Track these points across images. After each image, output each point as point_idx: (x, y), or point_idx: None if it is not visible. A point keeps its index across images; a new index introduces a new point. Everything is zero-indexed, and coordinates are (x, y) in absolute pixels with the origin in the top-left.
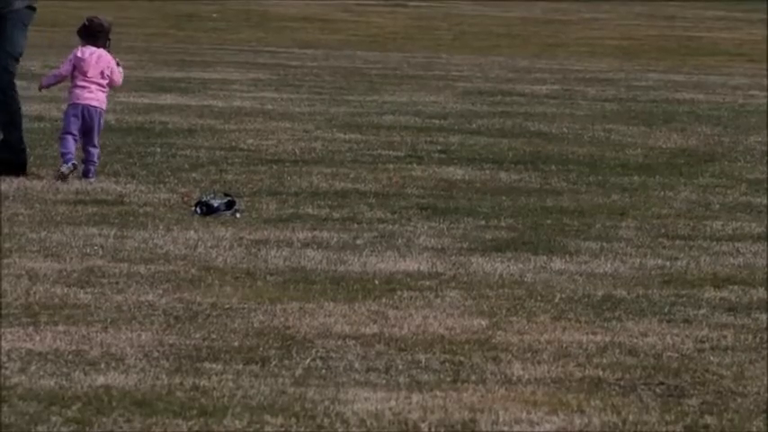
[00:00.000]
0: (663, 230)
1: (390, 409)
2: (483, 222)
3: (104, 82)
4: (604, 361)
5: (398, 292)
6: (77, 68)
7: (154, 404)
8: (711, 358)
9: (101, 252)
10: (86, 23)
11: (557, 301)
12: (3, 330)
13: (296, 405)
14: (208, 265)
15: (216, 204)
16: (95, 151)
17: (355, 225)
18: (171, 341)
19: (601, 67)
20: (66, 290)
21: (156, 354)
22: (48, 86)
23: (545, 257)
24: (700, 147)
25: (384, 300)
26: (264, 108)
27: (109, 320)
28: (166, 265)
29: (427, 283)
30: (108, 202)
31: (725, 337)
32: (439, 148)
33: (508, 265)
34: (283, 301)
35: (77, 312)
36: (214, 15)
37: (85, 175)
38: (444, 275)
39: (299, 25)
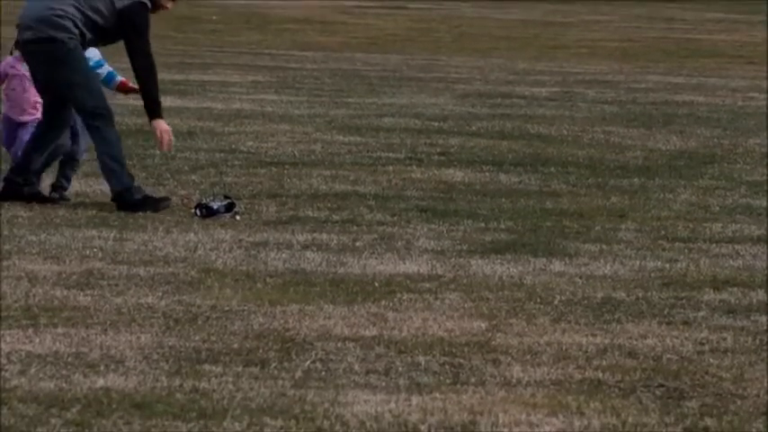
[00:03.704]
0: (662, 232)
1: (390, 411)
2: (482, 224)
3: None
4: (604, 363)
5: (398, 295)
6: None
7: (153, 406)
8: (711, 360)
9: (100, 254)
10: None
11: (556, 303)
12: (2, 332)
13: (295, 407)
14: (207, 267)
15: (215, 206)
16: None
17: (355, 227)
18: (170, 343)
19: (600, 69)
20: (65, 292)
21: (155, 356)
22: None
23: (545, 259)
24: (699, 149)
25: (384, 302)
26: (264, 110)
27: (108, 323)
28: (166, 268)
29: (427, 285)
30: (107, 204)
31: (724, 339)
32: (438, 150)
33: (508, 268)
34: (283, 303)
35: (77, 314)
36: (214, 18)
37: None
38: (444, 278)
39: (298, 27)
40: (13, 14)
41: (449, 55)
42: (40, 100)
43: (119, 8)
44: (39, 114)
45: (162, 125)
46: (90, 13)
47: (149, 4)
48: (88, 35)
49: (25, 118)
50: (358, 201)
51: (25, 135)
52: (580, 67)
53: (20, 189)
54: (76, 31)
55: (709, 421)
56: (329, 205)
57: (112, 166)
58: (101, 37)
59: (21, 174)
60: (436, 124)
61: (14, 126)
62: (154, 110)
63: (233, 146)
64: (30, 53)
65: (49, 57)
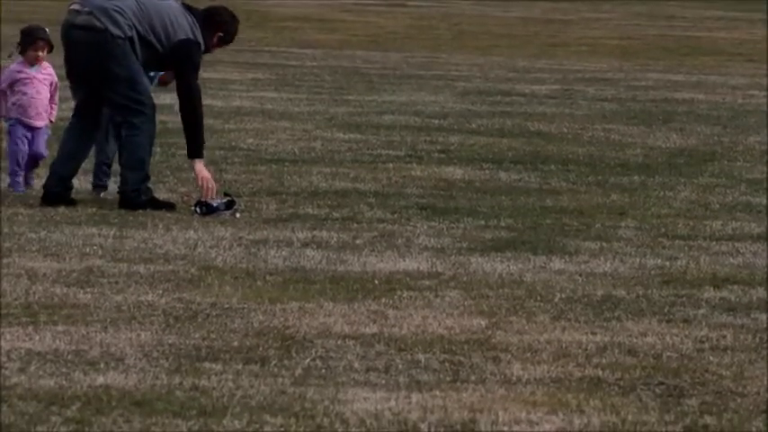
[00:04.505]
0: (662, 230)
1: (390, 408)
2: (482, 222)
3: None
4: (604, 361)
5: (398, 292)
6: None
7: (153, 404)
8: (711, 358)
9: (100, 252)
10: None
11: (556, 300)
12: (2, 330)
13: (295, 405)
14: (207, 264)
15: (215, 204)
16: None
17: (355, 225)
18: (170, 341)
19: (600, 66)
20: (65, 290)
21: (155, 354)
22: None
23: (544, 257)
24: (699, 146)
25: (384, 299)
26: (264, 108)
27: (108, 320)
28: (166, 265)
29: (427, 282)
30: (107, 201)
31: (724, 337)
32: (438, 147)
33: (508, 265)
34: (283, 300)
35: (77, 312)
36: None
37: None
38: (444, 275)
39: (298, 25)
40: (13, 13)
41: (449, 52)
42: (48, 105)
43: (175, 42)
44: (50, 118)
45: (203, 171)
46: (146, 33)
47: (203, 47)
48: (138, 49)
49: (39, 123)
50: (358, 198)
51: (39, 139)
52: (580, 64)
53: (65, 195)
54: (130, 35)
55: (708, 419)
56: (329, 203)
57: (134, 165)
58: (152, 59)
59: (61, 182)
60: (436, 122)
61: (28, 130)
62: (197, 148)
63: (233, 143)
64: (74, 40)
65: (95, 47)
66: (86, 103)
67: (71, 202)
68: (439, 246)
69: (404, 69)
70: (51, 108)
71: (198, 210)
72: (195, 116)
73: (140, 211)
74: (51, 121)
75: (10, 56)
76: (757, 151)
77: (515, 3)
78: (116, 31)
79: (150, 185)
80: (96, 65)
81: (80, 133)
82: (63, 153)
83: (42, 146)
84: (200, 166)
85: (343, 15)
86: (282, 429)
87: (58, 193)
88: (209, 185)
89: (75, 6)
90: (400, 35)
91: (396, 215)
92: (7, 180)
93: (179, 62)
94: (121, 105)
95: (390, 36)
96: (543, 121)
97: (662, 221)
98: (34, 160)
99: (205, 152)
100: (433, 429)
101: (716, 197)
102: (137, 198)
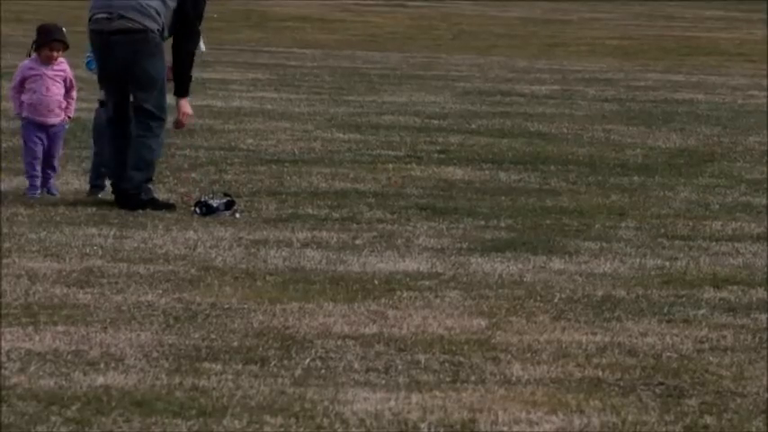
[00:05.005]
0: (662, 231)
1: (390, 409)
2: (482, 222)
3: None
4: (604, 361)
5: (398, 293)
6: None
7: (153, 404)
8: (711, 358)
9: (100, 252)
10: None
11: (556, 301)
12: (2, 330)
13: (295, 405)
14: (207, 265)
15: (215, 204)
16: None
17: (355, 225)
18: (170, 341)
19: (600, 67)
20: (65, 290)
21: (155, 354)
22: None
23: (544, 257)
24: (699, 147)
25: (383, 300)
26: (264, 108)
27: (108, 320)
28: (166, 266)
29: (427, 283)
30: (107, 202)
31: (724, 337)
32: (438, 148)
33: (508, 266)
34: (283, 301)
35: (77, 312)
36: (214, 15)
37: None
38: (444, 275)
39: (298, 25)
40: (12, 12)
41: (449, 53)
42: (63, 101)
43: None
44: (64, 115)
45: (188, 108)
46: (170, 2)
47: None
48: (165, 29)
49: (53, 120)
50: (358, 198)
51: (56, 138)
52: (580, 64)
53: (135, 195)
54: (163, 22)
55: (708, 419)
56: (329, 203)
57: (140, 166)
58: (171, 25)
59: (121, 181)
60: (436, 122)
61: (41, 129)
62: (186, 87)
63: (233, 143)
64: (112, 45)
65: (137, 48)
66: (119, 106)
67: (141, 200)
68: (439, 246)
69: (404, 69)
70: (68, 104)
71: (197, 210)
72: (191, 59)
73: (140, 211)
74: (69, 117)
75: (29, 54)
76: (757, 151)
77: (515, 3)
78: (153, 26)
79: (151, 185)
80: (134, 66)
81: (115, 132)
82: (110, 159)
83: (57, 145)
84: (186, 103)
85: (343, 15)
86: (282, 429)
87: (122, 193)
88: (186, 121)
89: (102, 15)
90: (400, 35)
91: (395, 215)
92: (9, 182)
93: (188, 12)
94: (145, 109)
95: (390, 36)
96: (543, 121)
97: (662, 222)
98: (48, 160)
99: (205, 152)
100: (432, 429)
101: (716, 197)
102: (137, 197)
